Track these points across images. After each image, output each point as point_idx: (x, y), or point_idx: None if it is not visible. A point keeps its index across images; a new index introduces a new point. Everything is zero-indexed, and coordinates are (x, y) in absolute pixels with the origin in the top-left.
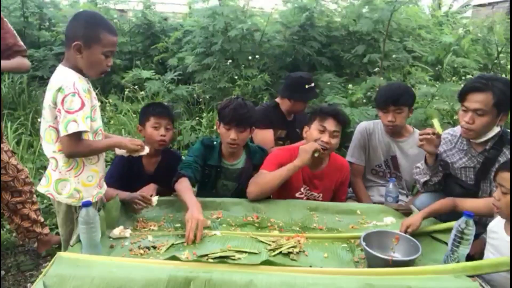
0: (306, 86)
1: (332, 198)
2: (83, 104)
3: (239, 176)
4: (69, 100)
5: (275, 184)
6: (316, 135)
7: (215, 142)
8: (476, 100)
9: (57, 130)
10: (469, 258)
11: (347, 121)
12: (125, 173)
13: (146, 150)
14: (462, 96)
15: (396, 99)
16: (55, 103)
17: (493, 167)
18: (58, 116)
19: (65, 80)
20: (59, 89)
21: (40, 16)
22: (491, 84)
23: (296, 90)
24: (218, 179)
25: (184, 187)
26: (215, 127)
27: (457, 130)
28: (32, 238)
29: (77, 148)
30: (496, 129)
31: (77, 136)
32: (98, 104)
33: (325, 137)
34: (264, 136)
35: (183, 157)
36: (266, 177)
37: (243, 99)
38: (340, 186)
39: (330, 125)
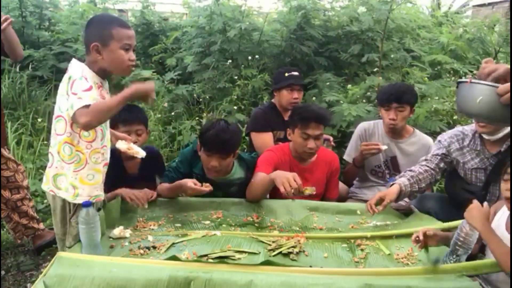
0: (286, 74)
1: (324, 192)
2: (91, 87)
3: (232, 186)
4: (77, 84)
5: (259, 192)
6: (300, 142)
7: None
8: None
9: (65, 120)
10: (470, 258)
11: (328, 120)
12: (109, 177)
13: (142, 153)
14: None
15: (399, 96)
16: (66, 91)
17: None
18: (68, 101)
19: (74, 69)
20: (69, 78)
21: (39, 16)
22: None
23: (277, 81)
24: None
25: (164, 185)
26: None
27: (468, 129)
28: (30, 235)
29: (87, 116)
30: None
31: (83, 108)
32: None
33: (311, 144)
34: (264, 140)
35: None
36: (253, 185)
37: (227, 123)
38: (331, 178)
39: (313, 130)
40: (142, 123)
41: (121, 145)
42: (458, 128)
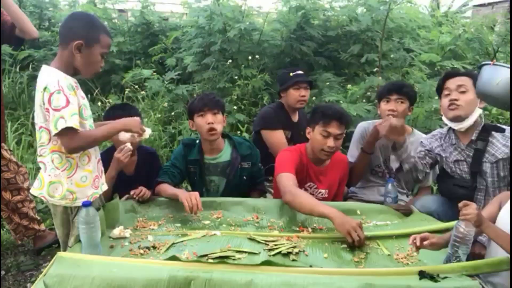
0: (291, 74)
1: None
2: (68, 102)
3: (225, 170)
4: (55, 98)
5: (307, 213)
6: (320, 140)
7: (197, 141)
8: (456, 80)
9: (48, 131)
10: (470, 257)
11: (349, 121)
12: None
13: (148, 131)
14: (442, 84)
15: (399, 87)
16: (43, 103)
17: (483, 158)
18: (47, 116)
19: (49, 79)
20: (45, 89)
21: (39, 16)
22: (469, 71)
23: (283, 81)
24: (204, 176)
25: (165, 186)
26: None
27: (445, 128)
28: (31, 236)
29: (73, 142)
30: (478, 111)
31: (67, 131)
32: (86, 102)
33: (330, 142)
34: (278, 137)
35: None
36: (303, 201)
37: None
38: (341, 183)
39: (334, 128)
40: None
41: (124, 136)
42: (437, 130)
